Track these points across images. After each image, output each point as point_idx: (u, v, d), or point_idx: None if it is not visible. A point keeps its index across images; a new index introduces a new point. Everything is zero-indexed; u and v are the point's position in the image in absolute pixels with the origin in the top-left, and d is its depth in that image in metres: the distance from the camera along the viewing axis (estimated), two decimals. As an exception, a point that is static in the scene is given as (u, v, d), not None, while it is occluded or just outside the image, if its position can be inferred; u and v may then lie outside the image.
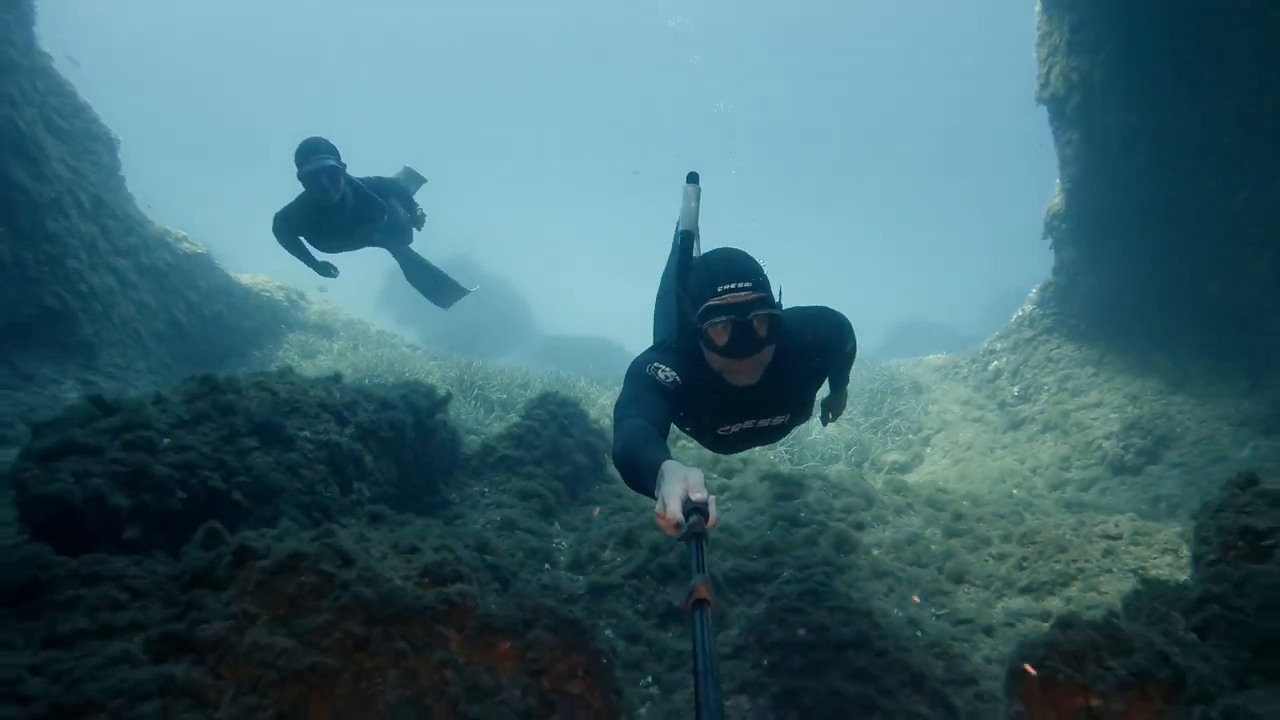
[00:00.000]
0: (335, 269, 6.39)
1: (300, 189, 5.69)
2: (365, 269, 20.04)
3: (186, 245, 10.60)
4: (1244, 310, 7.53)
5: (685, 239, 2.98)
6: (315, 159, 5.60)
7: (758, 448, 3.95)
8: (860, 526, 5.76)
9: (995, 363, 10.22)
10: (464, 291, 7.52)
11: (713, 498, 1.63)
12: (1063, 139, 8.52)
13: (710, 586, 1.32)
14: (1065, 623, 2.07)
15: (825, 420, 3.76)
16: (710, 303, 2.41)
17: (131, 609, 2.15)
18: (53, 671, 1.86)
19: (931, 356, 12.04)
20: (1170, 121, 7.14)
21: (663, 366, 2.55)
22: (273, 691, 1.93)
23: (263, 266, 12.56)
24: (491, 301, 19.76)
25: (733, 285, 2.42)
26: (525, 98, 55.91)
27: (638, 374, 2.57)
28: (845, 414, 10.70)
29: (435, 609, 2.15)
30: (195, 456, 3.99)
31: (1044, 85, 8.44)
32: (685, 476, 1.69)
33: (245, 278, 11.92)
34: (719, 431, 2.81)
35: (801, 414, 2.94)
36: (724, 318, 2.39)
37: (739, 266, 2.49)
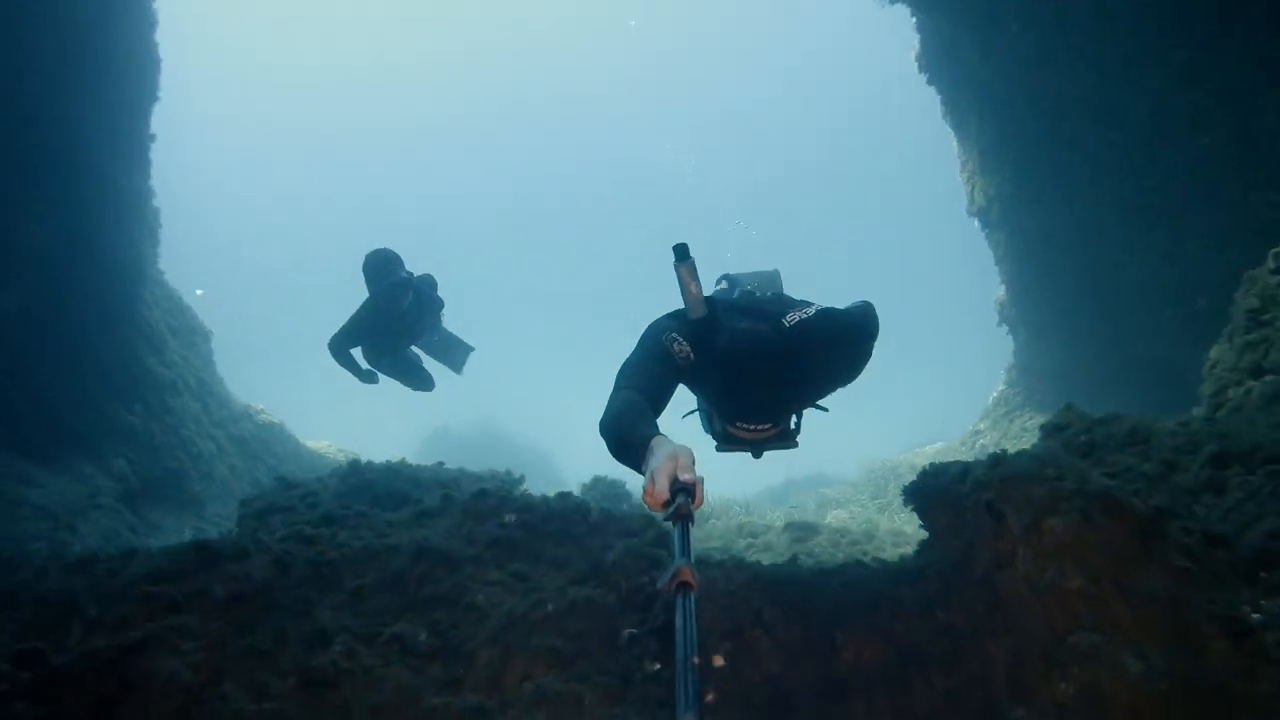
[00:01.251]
0: (377, 377, 7.12)
1: (362, 296, 6.51)
2: (402, 429, 21.97)
3: (264, 416, 12.45)
4: (1167, 366, 9.12)
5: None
6: (389, 272, 6.36)
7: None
8: (865, 554, 7.12)
9: (981, 440, 11.68)
10: (469, 349, 8.20)
11: (701, 478, 1.64)
12: (993, 241, 10.52)
13: (693, 570, 1.33)
14: (929, 462, 3.58)
15: None
16: (729, 430, 2.48)
17: (389, 528, 3.71)
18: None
19: (928, 446, 13.50)
20: (1067, 217, 9.10)
21: (680, 339, 2.49)
22: (488, 548, 3.47)
23: (325, 434, 14.39)
24: (519, 460, 21.47)
25: (753, 427, 2.42)
26: (524, 264, 59.98)
27: (653, 339, 2.52)
28: (854, 499, 12.07)
29: (569, 509, 3.71)
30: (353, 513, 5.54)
31: (971, 201, 10.53)
32: (675, 455, 1.69)
33: (311, 443, 13.67)
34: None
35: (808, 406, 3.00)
36: (740, 447, 2.54)
37: (763, 406, 2.40)
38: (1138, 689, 2.36)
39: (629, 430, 2.01)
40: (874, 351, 2.96)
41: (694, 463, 1.69)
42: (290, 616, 2.77)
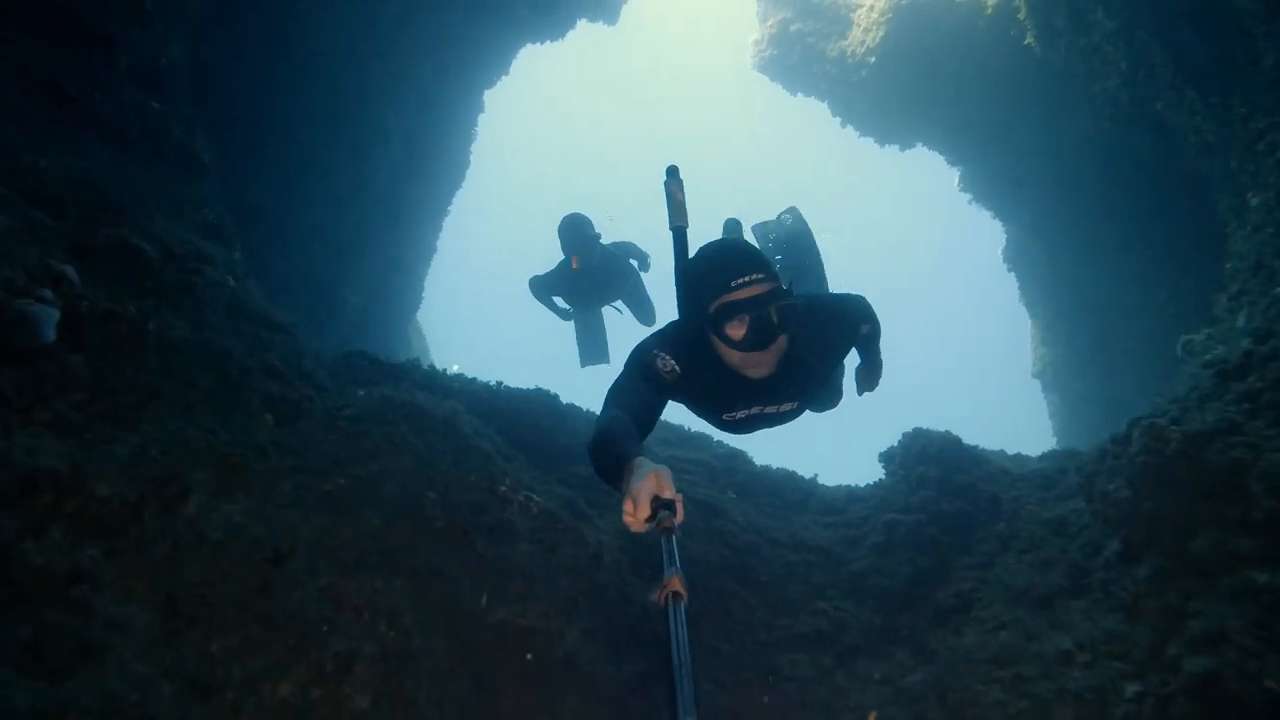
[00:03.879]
0: (571, 313, 8.36)
1: (559, 257, 7.70)
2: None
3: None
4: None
5: (678, 234, 3.03)
6: (580, 232, 7.37)
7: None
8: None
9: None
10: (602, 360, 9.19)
11: (680, 495, 1.79)
12: (1050, 400, 13.36)
13: (683, 579, 1.47)
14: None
15: (861, 390, 3.83)
16: (726, 299, 2.50)
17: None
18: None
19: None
20: (1103, 389, 11.92)
21: (663, 355, 2.62)
22: (656, 438, 6.94)
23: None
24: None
25: (745, 278, 2.49)
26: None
27: (637, 361, 2.65)
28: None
29: (694, 436, 7.12)
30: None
31: (1035, 365, 13.49)
32: (655, 474, 1.82)
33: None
34: (724, 416, 2.94)
35: (808, 399, 3.07)
36: (742, 314, 2.48)
37: (746, 256, 2.55)
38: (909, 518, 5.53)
39: (611, 449, 2.12)
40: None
41: (672, 481, 1.82)
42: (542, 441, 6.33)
